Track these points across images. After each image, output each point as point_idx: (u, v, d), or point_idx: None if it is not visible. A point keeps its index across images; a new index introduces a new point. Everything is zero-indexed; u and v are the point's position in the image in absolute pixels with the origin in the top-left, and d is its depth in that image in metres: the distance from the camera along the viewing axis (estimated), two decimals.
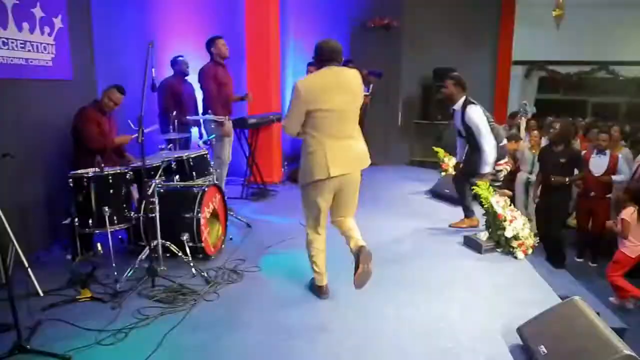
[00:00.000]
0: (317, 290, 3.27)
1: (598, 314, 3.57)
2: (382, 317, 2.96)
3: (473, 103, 4.46)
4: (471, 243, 4.12)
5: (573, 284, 4.96)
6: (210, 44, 4.93)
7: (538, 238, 4.26)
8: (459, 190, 4.76)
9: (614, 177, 5.58)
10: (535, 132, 6.61)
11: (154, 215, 3.50)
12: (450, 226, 4.75)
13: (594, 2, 10.53)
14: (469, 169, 4.55)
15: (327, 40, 3.14)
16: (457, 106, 4.50)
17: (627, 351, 2.06)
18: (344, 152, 3.01)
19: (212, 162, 4.63)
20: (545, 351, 2.34)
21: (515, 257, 3.90)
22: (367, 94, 6.61)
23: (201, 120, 5.19)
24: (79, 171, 3.57)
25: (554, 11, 7.95)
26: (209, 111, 4.85)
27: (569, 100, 11.53)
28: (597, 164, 5.65)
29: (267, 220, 4.98)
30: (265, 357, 2.55)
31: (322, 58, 3.08)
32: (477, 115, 4.40)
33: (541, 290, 3.42)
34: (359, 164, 3.11)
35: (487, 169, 4.35)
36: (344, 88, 3.03)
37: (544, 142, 6.62)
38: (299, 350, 2.60)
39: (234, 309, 3.04)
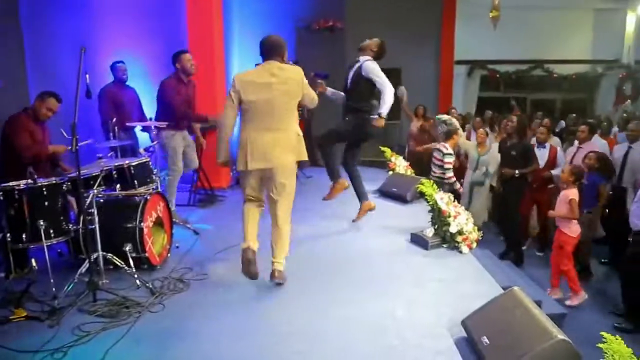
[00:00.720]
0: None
1: (539, 302, 3.77)
2: (329, 317, 2.97)
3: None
4: (418, 240, 4.20)
5: (518, 274, 5.19)
6: (175, 58, 4.85)
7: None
8: (326, 155, 4.73)
9: (553, 172, 5.89)
10: (481, 130, 6.74)
11: (93, 226, 3.36)
12: (353, 221, 4.82)
13: (529, 5, 11.06)
14: (358, 131, 4.59)
15: (268, 37, 3.31)
16: (362, 59, 4.54)
17: (561, 336, 2.15)
18: (267, 145, 3.17)
19: (155, 170, 4.51)
20: (488, 342, 2.42)
21: (460, 252, 4.00)
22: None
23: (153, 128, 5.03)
24: (10, 183, 3.38)
25: (490, 12, 8.27)
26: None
27: (509, 98, 11.99)
28: (539, 157, 5.94)
29: (215, 226, 4.90)
30: None
31: (261, 53, 3.28)
32: (377, 67, 4.48)
33: (485, 282, 3.52)
34: (286, 157, 3.22)
35: (385, 109, 4.38)
36: (278, 82, 3.16)
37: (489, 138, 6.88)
38: (248, 355, 2.57)
39: (181, 319, 2.96)
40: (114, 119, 4.56)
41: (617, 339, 1.70)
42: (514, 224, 5.98)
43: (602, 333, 1.76)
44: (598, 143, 6.22)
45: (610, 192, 5.61)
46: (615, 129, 8.11)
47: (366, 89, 4.51)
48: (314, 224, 4.81)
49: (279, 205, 3.32)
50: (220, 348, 2.64)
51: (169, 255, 3.97)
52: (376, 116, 4.42)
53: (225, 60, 6.85)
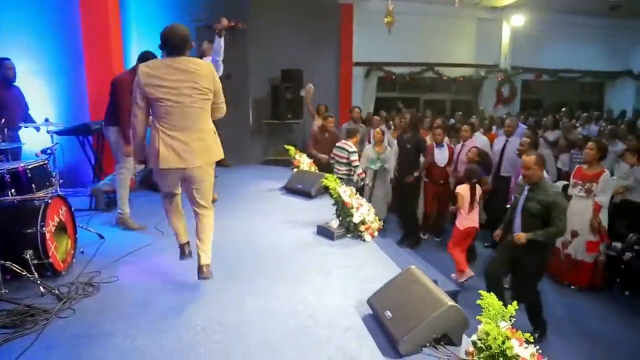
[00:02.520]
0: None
1: (435, 281, 4.17)
2: (244, 308, 3.09)
3: None
4: (324, 231, 4.45)
5: (415, 258, 5.62)
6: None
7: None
8: None
9: (448, 169, 6.60)
10: (378, 129, 7.19)
11: None
12: None
13: (421, 12, 11.88)
14: None
15: (173, 28, 3.05)
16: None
17: (451, 303, 2.48)
18: (178, 145, 3.02)
19: (55, 172, 4.31)
20: (390, 315, 2.69)
21: (364, 240, 4.31)
22: None
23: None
24: None
25: (385, 18, 8.76)
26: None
27: (405, 98, 12.82)
28: (440, 156, 6.58)
29: (121, 229, 4.77)
30: None
31: (167, 47, 3.04)
32: None
33: (388, 267, 3.83)
34: (199, 158, 3.10)
35: None
36: (190, 80, 2.98)
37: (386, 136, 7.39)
38: (167, 350, 2.61)
39: (93, 321, 2.92)
40: (2, 120, 4.29)
41: (490, 295, 2.02)
42: (412, 213, 6.58)
43: (480, 291, 2.07)
44: (479, 139, 6.93)
45: (491, 182, 6.36)
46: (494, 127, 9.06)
47: None
48: (223, 221, 4.86)
49: (198, 203, 3.28)
50: (137, 344, 2.66)
51: (74, 260, 3.82)
52: None
53: (124, 59, 6.64)
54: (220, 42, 5.00)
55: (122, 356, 2.56)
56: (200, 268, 3.23)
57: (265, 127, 9.79)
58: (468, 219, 5.47)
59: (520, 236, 4.12)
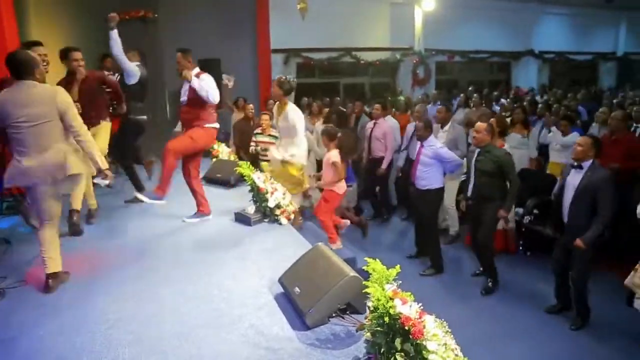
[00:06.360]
0: None
1: (354, 259, 4.37)
2: (159, 299, 3.11)
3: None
4: (241, 218, 4.52)
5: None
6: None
7: None
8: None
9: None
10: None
11: None
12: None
13: None
14: None
15: (14, 54, 3.25)
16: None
17: (352, 273, 2.64)
18: (30, 164, 3.18)
19: None
20: (299, 290, 2.82)
21: (280, 224, 4.42)
22: None
23: None
24: None
25: (298, 4, 8.84)
26: None
27: (324, 83, 13.03)
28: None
29: (28, 232, 4.57)
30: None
31: (11, 73, 3.21)
32: None
33: (303, 248, 3.94)
34: (46, 176, 3.23)
35: None
36: (35, 103, 3.15)
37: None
38: (79, 346, 2.59)
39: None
40: None
41: (375, 260, 2.19)
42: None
43: (366, 258, 2.24)
44: (389, 121, 7.21)
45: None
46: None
47: None
48: (143, 214, 4.83)
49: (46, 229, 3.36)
50: (48, 345, 2.62)
51: None
52: None
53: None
54: (113, 35, 4.90)
55: (28, 358, 2.52)
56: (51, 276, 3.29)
57: None
58: (342, 183, 5.10)
59: (502, 214, 4.83)
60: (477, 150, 4.94)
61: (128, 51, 5.33)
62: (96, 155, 3.38)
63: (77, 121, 3.32)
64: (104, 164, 3.43)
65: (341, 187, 5.03)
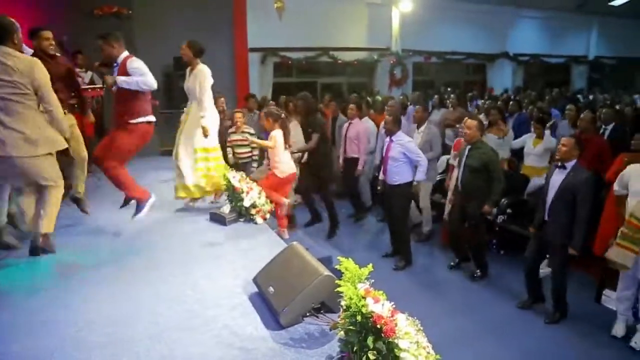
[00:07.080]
0: None
1: (329, 257, 4.39)
2: (132, 300, 3.06)
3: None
4: (216, 218, 4.48)
5: (311, 238, 5.85)
6: None
7: None
8: None
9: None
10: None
11: None
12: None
13: None
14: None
15: None
16: None
17: (327, 272, 2.65)
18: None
19: None
20: (273, 290, 2.82)
21: (256, 223, 4.40)
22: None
23: None
24: None
25: (275, 4, 8.81)
26: None
27: (302, 82, 13.02)
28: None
29: None
30: None
31: None
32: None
33: (278, 247, 3.93)
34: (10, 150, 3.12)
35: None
36: (3, 73, 2.99)
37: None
38: (46, 347, 2.53)
39: None
40: None
41: (348, 259, 2.21)
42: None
43: (339, 257, 2.25)
44: (365, 123, 7.25)
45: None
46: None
47: None
48: (117, 214, 4.75)
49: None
50: (12, 350, 2.55)
51: None
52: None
53: None
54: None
55: None
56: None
57: (160, 117, 9.47)
58: (289, 164, 5.15)
59: (487, 209, 5.15)
60: (468, 147, 5.13)
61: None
62: (63, 124, 3.37)
63: (52, 96, 3.27)
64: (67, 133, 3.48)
65: (282, 171, 4.99)
